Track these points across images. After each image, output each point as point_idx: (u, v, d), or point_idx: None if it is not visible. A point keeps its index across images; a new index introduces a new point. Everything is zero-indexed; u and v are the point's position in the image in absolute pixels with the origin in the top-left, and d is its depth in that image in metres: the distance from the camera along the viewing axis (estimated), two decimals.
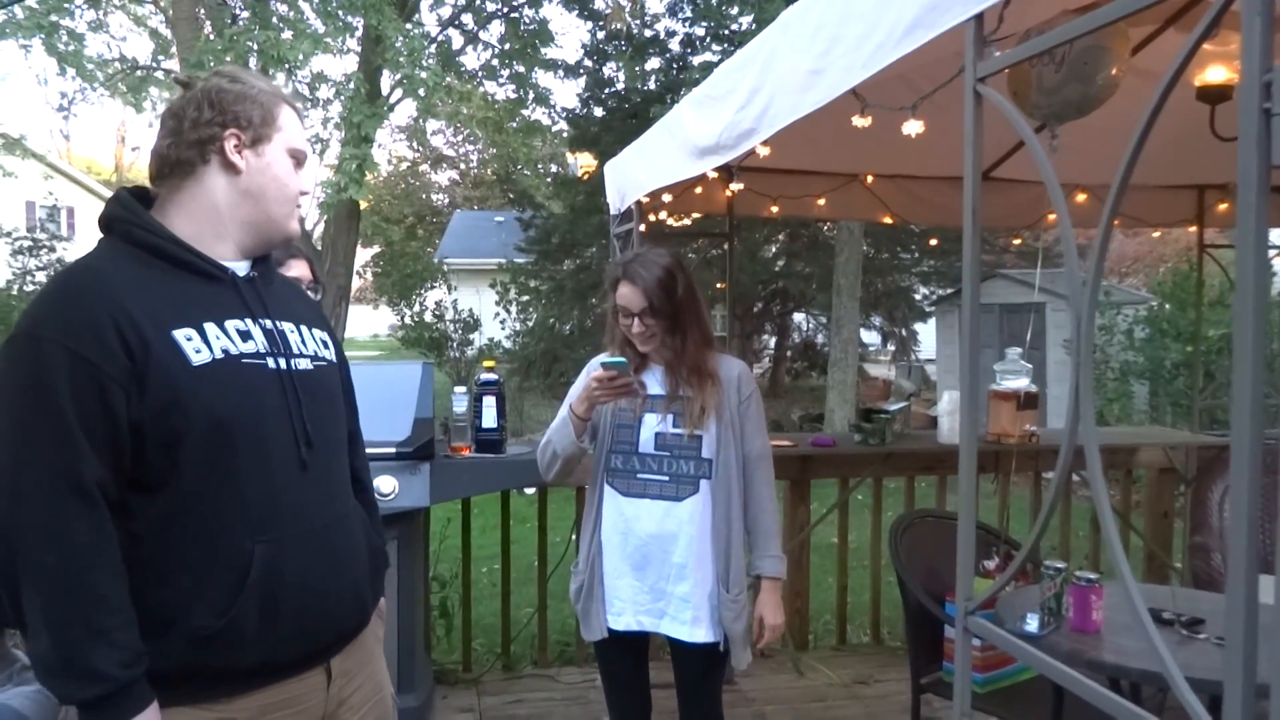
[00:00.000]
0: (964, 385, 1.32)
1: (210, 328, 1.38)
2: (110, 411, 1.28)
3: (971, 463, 1.31)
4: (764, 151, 2.34)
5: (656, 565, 2.23)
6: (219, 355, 1.37)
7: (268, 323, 1.47)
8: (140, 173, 42.79)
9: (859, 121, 1.80)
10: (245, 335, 1.42)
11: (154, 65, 15.32)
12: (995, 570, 2.84)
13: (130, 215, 1.42)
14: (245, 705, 1.40)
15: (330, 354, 1.61)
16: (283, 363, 1.46)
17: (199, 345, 1.36)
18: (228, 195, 1.46)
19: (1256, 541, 0.95)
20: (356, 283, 21.50)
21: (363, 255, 23.21)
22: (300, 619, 1.43)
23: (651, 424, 2.24)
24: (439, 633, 4.05)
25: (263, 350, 1.44)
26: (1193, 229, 4.36)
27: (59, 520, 1.26)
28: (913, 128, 1.72)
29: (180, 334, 1.34)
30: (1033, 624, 2.26)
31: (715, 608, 2.23)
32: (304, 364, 1.51)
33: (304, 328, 1.56)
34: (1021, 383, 3.83)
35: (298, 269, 2.37)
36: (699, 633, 2.22)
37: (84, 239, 24.06)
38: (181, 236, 1.42)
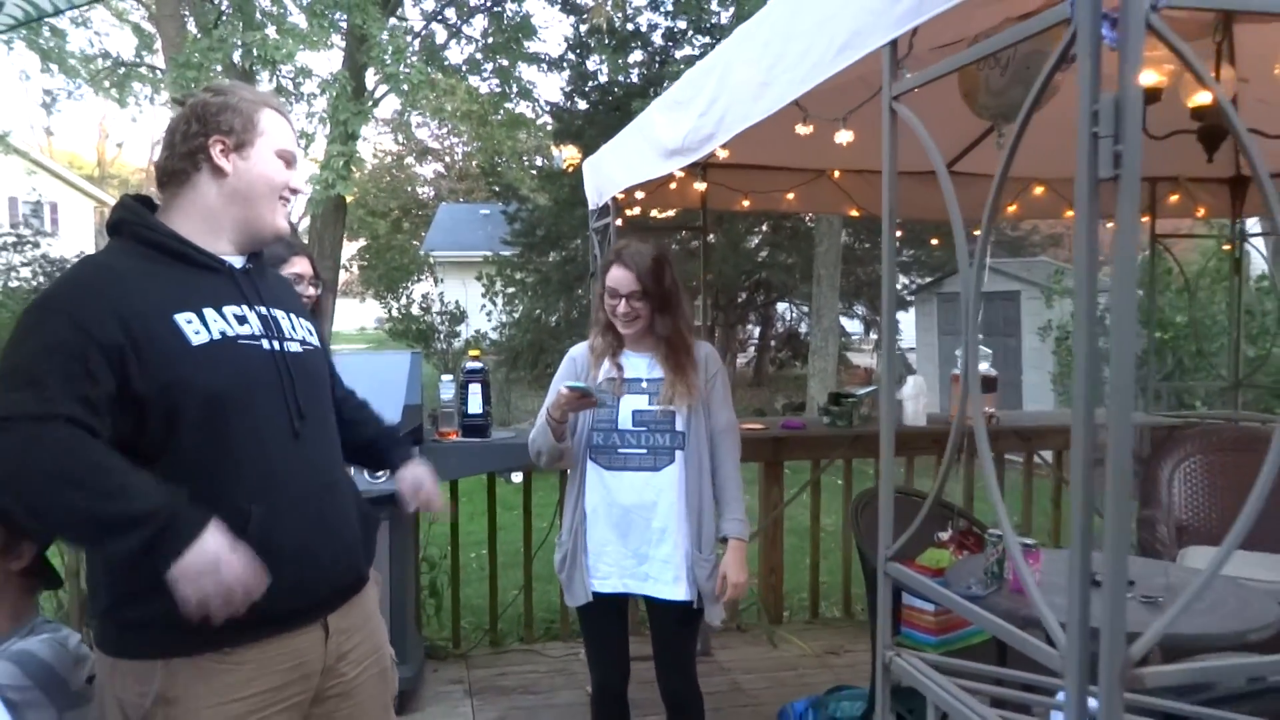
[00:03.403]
0: (885, 379, 1.50)
1: (209, 312, 1.54)
2: (92, 375, 1.40)
3: (890, 432, 1.50)
4: (723, 154, 2.51)
5: (639, 531, 2.45)
6: (217, 336, 1.53)
7: (262, 309, 1.63)
8: (124, 166, 42.56)
9: (801, 129, 1.98)
10: (241, 319, 1.58)
11: (138, 61, 15.34)
12: (949, 541, 3.04)
13: (135, 217, 1.60)
14: (247, 655, 1.54)
15: (315, 341, 1.77)
16: (276, 344, 1.62)
17: (199, 328, 1.51)
18: (219, 198, 1.61)
19: (1090, 507, 1.12)
20: (343, 276, 21.57)
21: (349, 249, 23.27)
22: (296, 574, 1.57)
23: (629, 404, 2.46)
24: (429, 611, 4.23)
25: (257, 333, 1.60)
26: (1145, 219, 4.55)
27: (45, 437, 1.36)
28: (844, 137, 1.90)
29: (181, 318, 1.50)
30: (976, 588, 2.45)
31: (690, 568, 2.44)
32: (294, 347, 1.67)
33: (292, 315, 1.73)
34: (982, 366, 4.02)
35: (300, 265, 2.53)
36: (679, 590, 2.44)
37: (68, 235, 23.97)
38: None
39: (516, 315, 17.53)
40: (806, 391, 12.33)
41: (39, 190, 23.55)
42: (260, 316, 1.62)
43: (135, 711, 1.50)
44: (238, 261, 1.66)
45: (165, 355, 1.47)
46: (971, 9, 1.75)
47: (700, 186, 3.71)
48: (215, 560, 1.39)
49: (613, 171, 3.35)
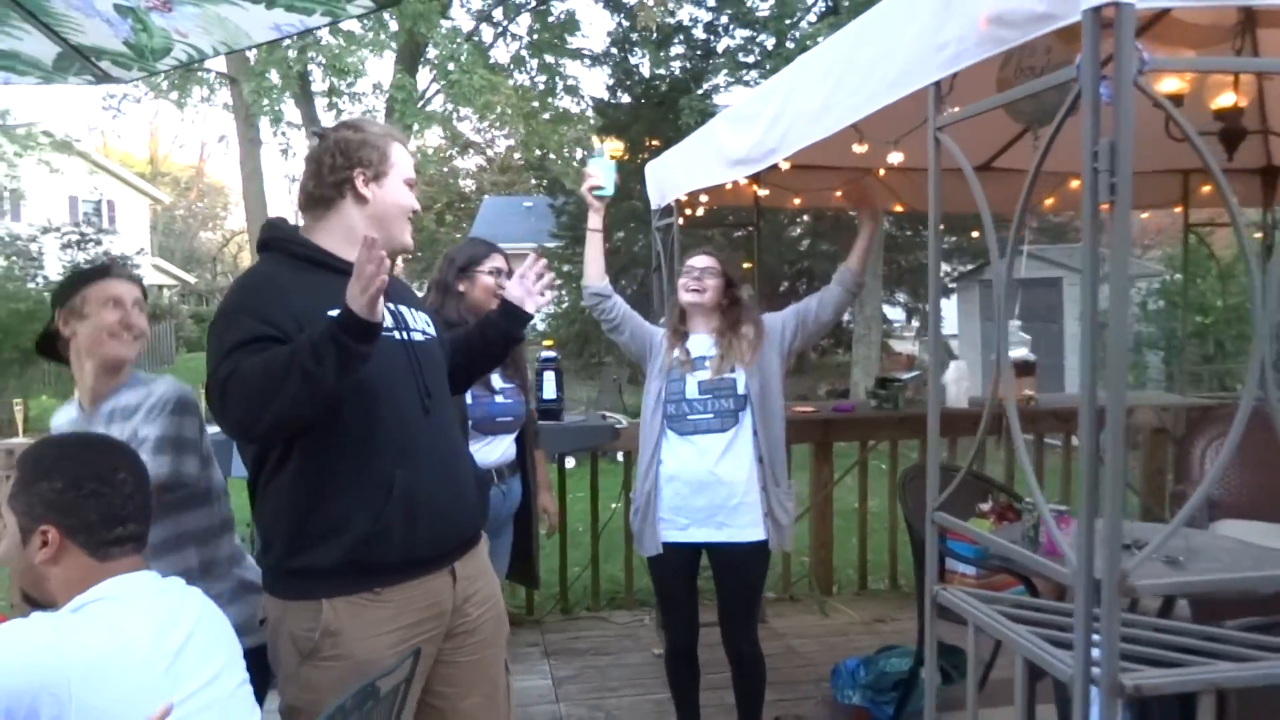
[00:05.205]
0: (931, 359, 1.79)
1: None
2: None
3: (936, 407, 1.79)
4: (785, 166, 2.81)
5: (712, 486, 2.77)
6: None
7: (391, 305, 1.94)
8: (174, 165, 43.70)
9: (857, 149, 2.26)
10: None
11: (197, 64, 15.89)
12: (989, 512, 3.30)
13: (282, 235, 1.93)
14: (393, 595, 1.85)
15: (432, 330, 2.08)
16: (405, 335, 1.95)
17: None
18: (360, 220, 1.91)
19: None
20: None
21: None
22: (432, 526, 1.88)
23: (696, 378, 2.82)
24: (503, 581, 4.57)
25: (391, 326, 1.91)
26: (1179, 209, 4.75)
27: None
28: (895, 158, 2.18)
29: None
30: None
31: (765, 513, 2.77)
32: (418, 336, 1.99)
33: (413, 309, 2.05)
34: (1020, 352, 4.27)
35: (499, 260, 2.88)
36: (752, 533, 2.78)
37: (125, 231, 24.81)
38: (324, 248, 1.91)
39: (563, 306, 17.89)
40: (850, 378, 12.55)
41: (99, 189, 24.39)
42: (390, 312, 1.93)
43: (305, 644, 1.81)
44: None
45: None
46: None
47: (758, 190, 3.99)
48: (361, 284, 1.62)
49: (675, 176, 3.65)
